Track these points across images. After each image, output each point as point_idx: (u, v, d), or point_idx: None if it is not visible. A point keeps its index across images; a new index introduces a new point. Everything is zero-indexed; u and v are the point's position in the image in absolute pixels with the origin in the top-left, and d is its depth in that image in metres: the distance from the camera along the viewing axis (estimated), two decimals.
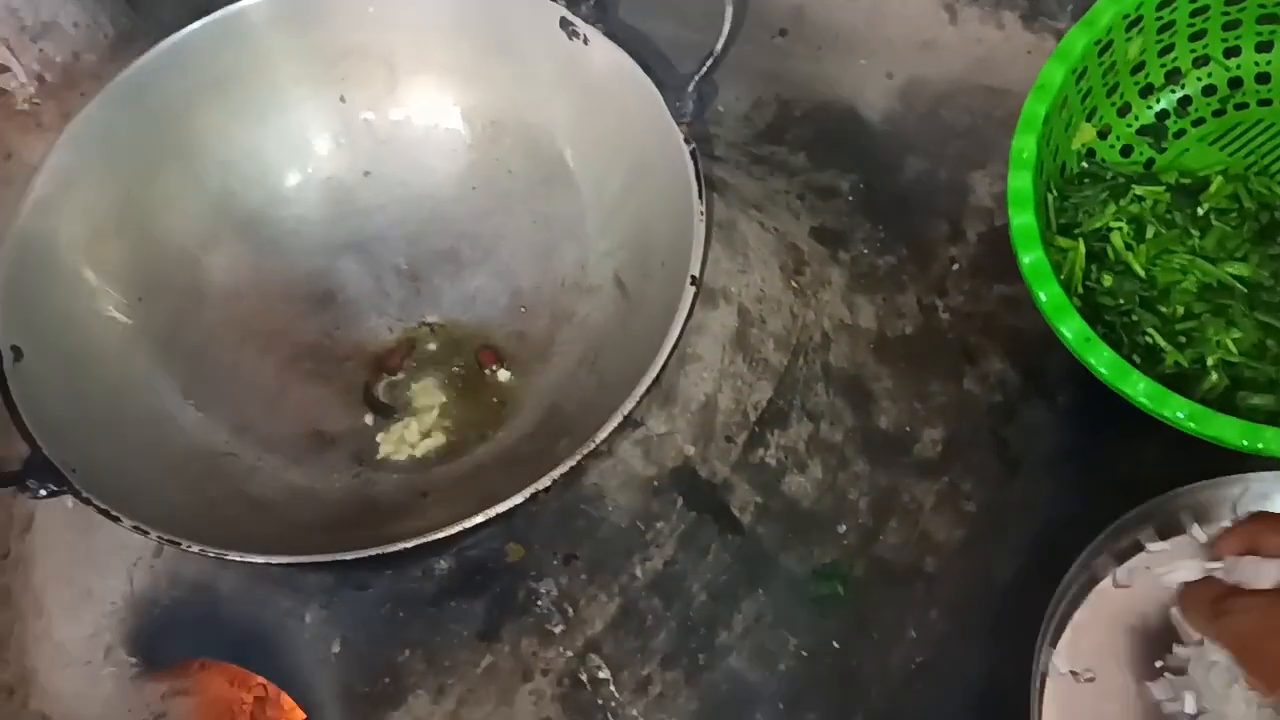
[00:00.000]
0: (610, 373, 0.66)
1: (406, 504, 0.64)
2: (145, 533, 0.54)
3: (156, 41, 0.71)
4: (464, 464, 0.68)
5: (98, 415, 0.62)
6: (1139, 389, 0.59)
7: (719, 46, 0.65)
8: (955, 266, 0.73)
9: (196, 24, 0.69)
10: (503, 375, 0.71)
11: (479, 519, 0.52)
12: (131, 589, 0.65)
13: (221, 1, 0.72)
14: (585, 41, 0.68)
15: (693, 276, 0.58)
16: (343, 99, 0.74)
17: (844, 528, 0.64)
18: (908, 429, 0.67)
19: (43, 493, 0.56)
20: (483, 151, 0.75)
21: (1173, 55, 0.72)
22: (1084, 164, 0.72)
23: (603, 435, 0.54)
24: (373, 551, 0.51)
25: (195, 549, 0.54)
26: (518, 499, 0.53)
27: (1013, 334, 0.70)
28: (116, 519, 0.55)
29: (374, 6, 0.71)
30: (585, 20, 0.67)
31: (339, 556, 0.52)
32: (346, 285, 0.74)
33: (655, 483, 0.63)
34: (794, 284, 0.72)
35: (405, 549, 0.53)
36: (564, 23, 0.68)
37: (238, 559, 0.53)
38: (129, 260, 0.69)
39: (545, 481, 0.53)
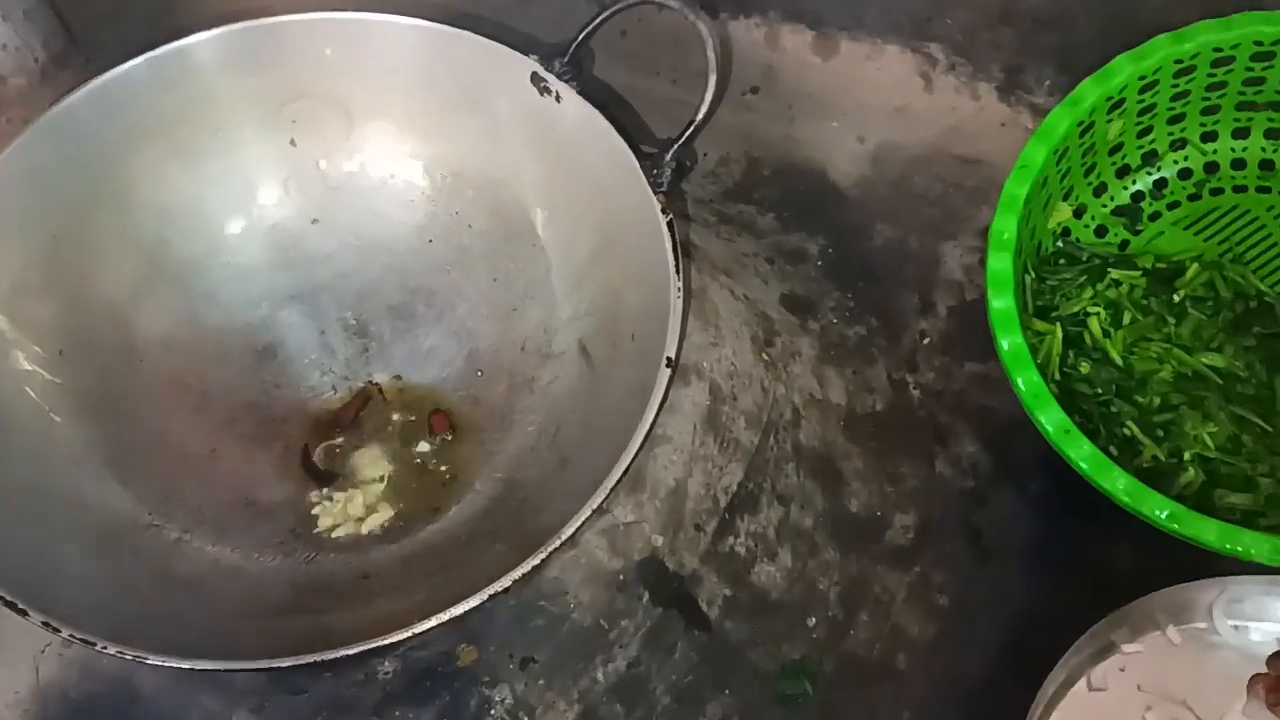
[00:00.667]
0: (572, 449, 0.62)
1: (347, 588, 0.60)
2: (55, 630, 0.49)
3: (91, 71, 0.66)
4: (411, 543, 0.64)
5: (7, 486, 0.56)
6: (1119, 486, 0.58)
7: (701, 115, 0.62)
8: (925, 340, 0.72)
9: (137, 60, 0.64)
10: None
11: (430, 623, 0.48)
12: (37, 679, 0.59)
13: (163, 36, 0.67)
14: (557, 99, 0.65)
15: (668, 358, 0.55)
16: (293, 143, 0.70)
17: (813, 620, 0.62)
18: (879, 513, 0.65)
19: None
20: (442, 204, 0.71)
21: (1150, 138, 0.72)
22: (1059, 243, 0.71)
23: (569, 530, 0.51)
24: (309, 659, 0.47)
25: (111, 650, 0.48)
26: (473, 601, 0.49)
27: (984, 414, 0.68)
28: (24, 613, 0.49)
29: (331, 49, 0.67)
30: (559, 76, 0.64)
31: (271, 664, 0.48)
32: (288, 339, 0.70)
33: (621, 577, 0.60)
34: (765, 356, 0.69)
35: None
36: (535, 78, 0.65)
37: (157, 663, 0.48)
38: (52, 312, 0.63)
39: (505, 582, 0.50)
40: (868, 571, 0.63)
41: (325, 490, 0.66)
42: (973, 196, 0.76)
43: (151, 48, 0.68)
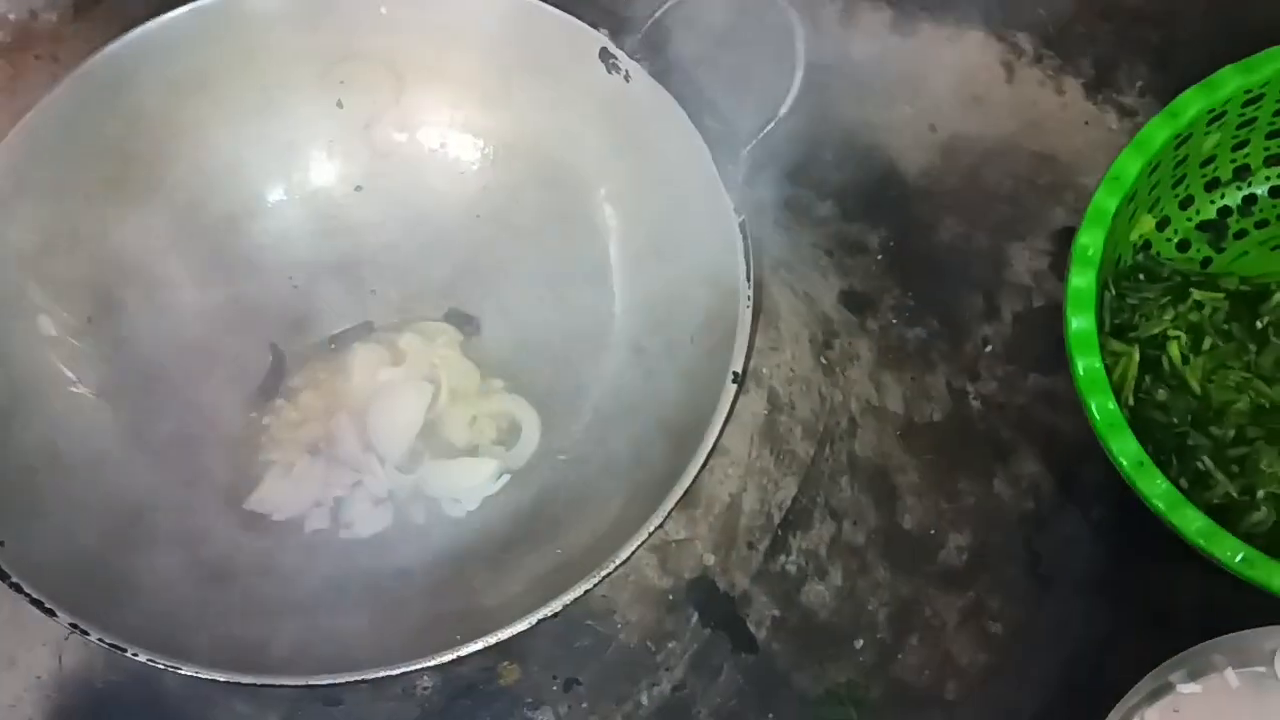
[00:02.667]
0: (620, 451, 0.60)
1: (381, 584, 0.58)
2: (85, 633, 0.47)
3: (124, 8, 0.62)
4: (447, 535, 0.61)
5: (32, 471, 0.53)
6: (1194, 527, 0.55)
7: (784, 111, 0.58)
8: (989, 348, 0.69)
9: (180, 9, 0.60)
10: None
11: (476, 645, 0.46)
12: (60, 665, 0.57)
13: None
14: (626, 78, 0.61)
15: (735, 373, 0.52)
16: (340, 104, 0.66)
17: (861, 643, 0.60)
18: (932, 532, 0.63)
19: None
20: (494, 179, 0.67)
21: (1245, 151, 0.68)
22: (1139, 256, 0.68)
23: (625, 554, 0.48)
24: (347, 678, 0.45)
25: (143, 657, 0.46)
26: (521, 626, 0.46)
27: (1048, 433, 0.66)
28: (51, 613, 0.47)
29: (386, 6, 0.62)
30: (630, 55, 0.60)
31: (308, 681, 0.45)
32: (326, 312, 0.66)
33: (670, 596, 0.58)
34: (823, 360, 0.66)
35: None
36: (604, 54, 0.61)
37: (190, 673, 0.46)
38: (82, 275, 0.60)
39: (555, 606, 0.47)
40: (919, 594, 0.61)
41: None
42: (1047, 196, 0.72)
43: None
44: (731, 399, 0.53)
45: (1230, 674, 0.55)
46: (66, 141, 0.60)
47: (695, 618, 0.59)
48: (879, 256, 0.72)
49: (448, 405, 0.63)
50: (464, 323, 0.67)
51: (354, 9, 0.63)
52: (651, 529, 0.49)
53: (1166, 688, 0.56)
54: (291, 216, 0.67)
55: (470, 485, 0.62)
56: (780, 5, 0.58)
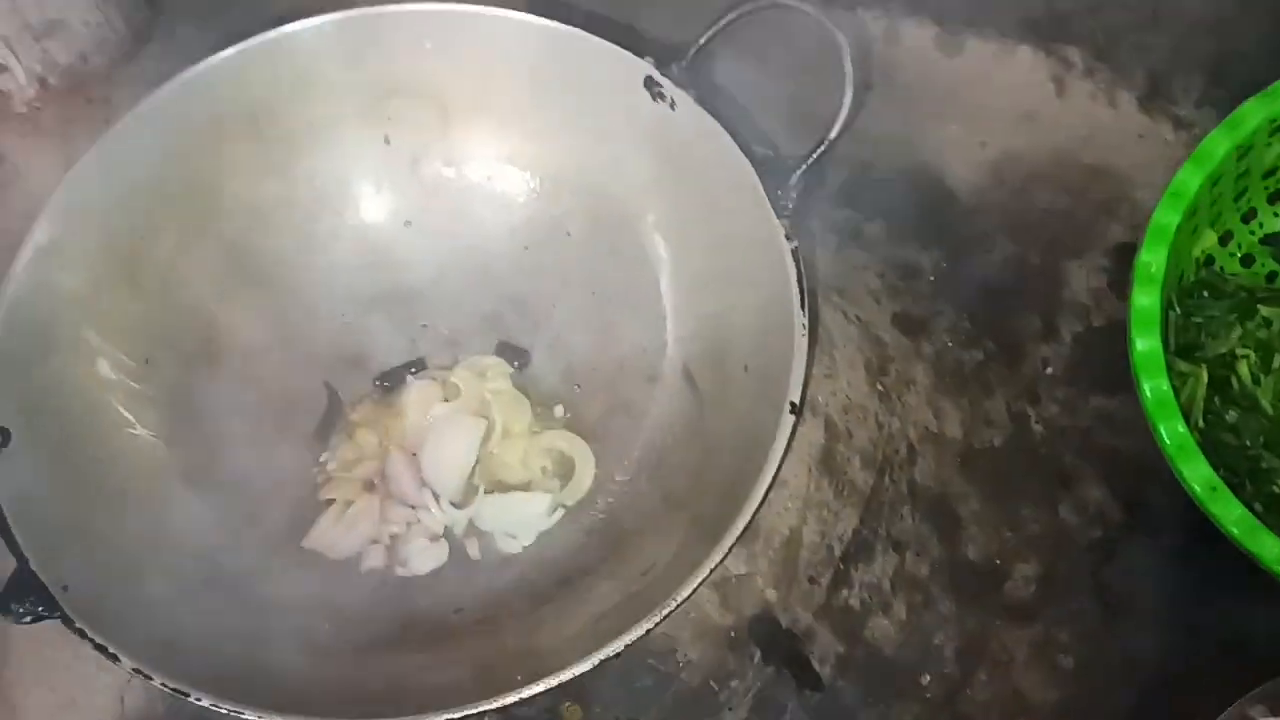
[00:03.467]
0: (676, 485, 0.59)
1: (438, 622, 0.57)
2: (149, 678, 0.47)
3: (175, 48, 0.62)
4: (502, 571, 0.60)
5: (92, 514, 0.54)
6: (1272, 554, 0.53)
7: (834, 133, 0.57)
8: (1048, 370, 0.67)
9: (229, 50, 0.60)
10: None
11: (537, 688, 0.45)
12: (123, 708, 0.57)
13: (249, 18, 0.63)
14: (672, 106, 0.60)
15: (793, 404, 0.51)
16: (387, 140, 0.66)
17: (928, 679, 0.58)
18: (998, 562, 0.61)
19: (27, 619, 0.48)
20: (541, 210, 0.67)
21: None
22: (1202, 273, 0.66)
23: (686, 592, 0.47)
24: None
25: (206, 702, 0.46)
26: (584, 666, 0.46)
27: (1111, 456, 0.64)
28: (115, 658, 0.47)
29: (431, 41, 0.63)
30: (675, 83, 0.59)
31: None
32: (377, 346, 0.67)
33: (732, 633, 0.56)
34: (879, 386, 0.65)
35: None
36: (649, 82, 0.60)
37: (253, 717, 0.45)
38: (137, 316, 0.61)
39: (617, 646, 0.46)
40: (986, 627, 0.60)
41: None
42: (1102, 211, 0.71)
43: (240, 31, 0.64)
44: (790, 430, 0.51)
45: None
46: (119, 184, 0.60)
47: (758, 655, 0.58)
48: (931, 278, 0.70)
49: (500, 440, 0.63)
50: (514, 356, 0.66)
51: (398, 44, 0.63)
52: (714, 565, 0.48)
53: (1243, 718, 0.54)
54: (341, 252, 0.67)
55: (525, 520, 0.61)
56: (827, 27, 0.57)
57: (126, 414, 0.59)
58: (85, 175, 0.59)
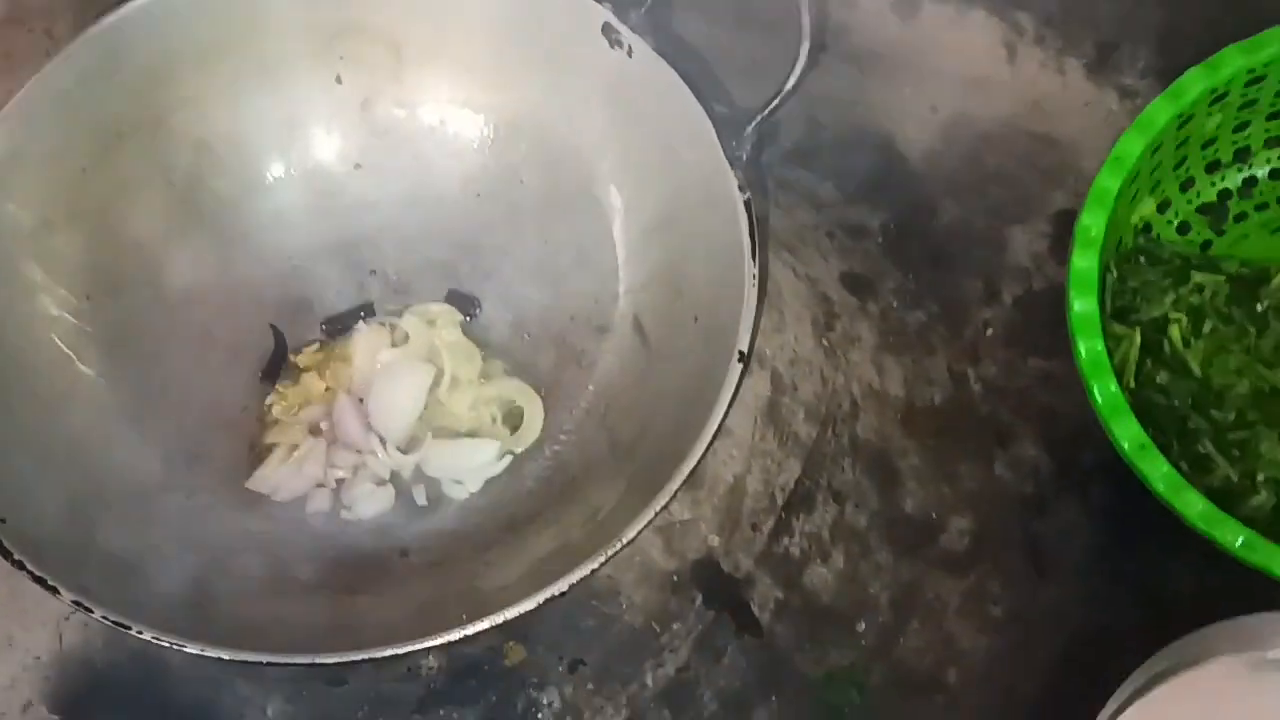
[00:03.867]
0: (623, 431, 0.59)
1: (383, 564, 0.57)
2: (89, 610, 0.46)
3: None
4: (449, 516, 0.60)
5: (33, 449, 0.53)
6: (1195, 510, 0.56)
7: (788, 86, 0.57)
8: (989, 331, 0.69)
9: None
10: None
11: (483, 624, 0.46)
12: (60, 646, 0.57)
13: None
14: (629, 53, 0.60)
15: (741, 352, 0.52)
16: (339, 80, 0.65)
17: (863, 626, 0.60)
18: (934, 515, 0.63)
19: None
20: (494, 157, 0.66)
21: (1246, 133, 0.68)
22: (1139, 239, 0.67)
23: (631, 534, 0.48)
24: (354, 657, 0.44)
25: (148, 635, 0.46)
26: (528, 605, 0.46)
27: (1047, 416, 0.66)
28: (55, 590, 0.46)
29: None
30: (633, 29, 0.59)
31: (315, 660, 0.45)
32: (325, 292, 0.66)
33: (675, 578, 0.57)
34: (825, 342, 0.66)
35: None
36: (607, 29, 0.60)
37: (196, 652, 0.45)
38: (80, 251, 0.59)
39: (562, 586, 0.47)
40: (921, 577, 0.61)
41: None
42: (1046, 178, 0.72)
43: None
44: (737, 378, 0.52)
45: (1233, 659, 0.55)
46: (62, 116, 0.59)
47: (699, 599, 0.59)
48: (879, 239, 0.71)
49: (449, 389, 0.63)
50: (465, 304, 0.66)
51: None
52: (658, 508, 0.49)
53: (1166, 673, 0.56)
54: (290, 195, 0.66)
55: (472, 467, 0.62)
56: None
57: (68, 351, 0.58)
58: (26, 107, 0.57)
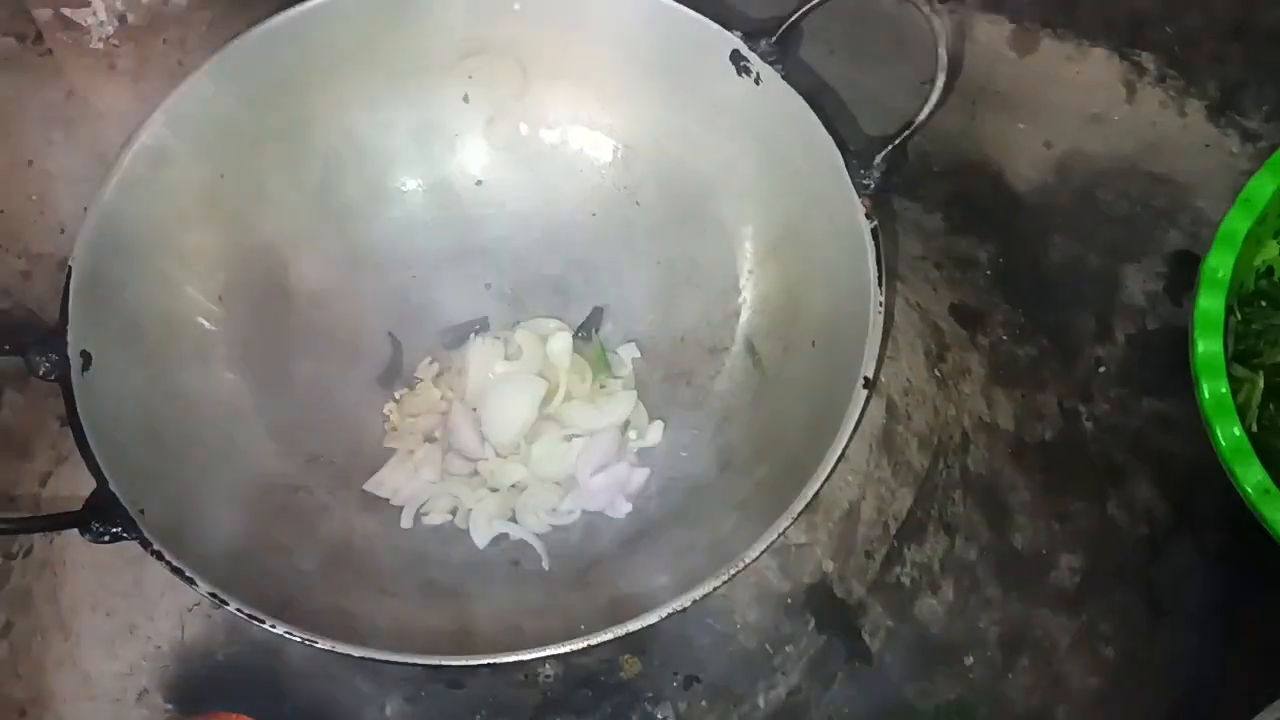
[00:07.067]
0: (734, 453, 0.59)
1: (498, 572, 0.58)
2: (223, 603, 0.47)
3: None
4: (562, 536, 0.61)
5: (169, 440, 0.54)
6: None
7: (923, 116, 0.57)
8: (1101, 369, 0.68)
9: None
10: None
11: (604, 636, 0.46)
12: (183, 635, 0.58)
13: None
14: (757, 80, 0.61)
15: (866, 379, 0.52)
16: (466, 99, 0.67)
17: (971, 660, 0.59)
18: (1044, 552, 0.62)
19: (105, 538, 0.48)
20: (612, 176, 0.67)
21: None
22: (1262, 283, 0.66)
23: (753, 555, 0.48)
24: (472, 661, 0.45)
25: (280, 630, 0.47)
26: (649, 619, 0.46)
27: (1162, 458, 0.65)
28: (192, 581, 0.48)
29: (520, 3, 0.63)
30: (762, 57, 0.60)
31: (439, 662, 0.45)
32: (444, 301, 0.67)
33: (789, 600, 0.57)
34: (937, 373, 0.66)
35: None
36: (736, 56, 0.61)
37: (327, 648, 0.46)
38: (214, 253, 0.61)
39: (684, 602, 0.47)
40: (1030, 614, 0.61)
41: None
42: (1161, 217, 0.71)
43: None
44: (863, 404, 0.52)
45: None
46: (205, 123, 0.61)
47: (812, 623, 0.59)
48: (988, 272, 0.71)
49: (561, 404, 0.63)
50: (577, 320, 0.67)
51: (486, 3, 0.64)
52: (781, 530, 0.49)
53: None
54: (413, 207, 0.68)
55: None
56: (922, 12, 0.58)
57: (201, 348, 0.60)
58: (171, 114, 0.59)
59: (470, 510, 0.60)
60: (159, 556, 0.49)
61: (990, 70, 0.76)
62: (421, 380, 0.64)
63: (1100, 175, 0.73)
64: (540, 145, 0.68)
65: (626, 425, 0.63)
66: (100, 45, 0.75)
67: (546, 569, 0.58)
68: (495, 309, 0.68)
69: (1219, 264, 0.60)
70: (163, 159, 0.59)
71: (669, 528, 0.58)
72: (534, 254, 0.68)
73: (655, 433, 0.62)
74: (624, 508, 0.60)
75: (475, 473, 0.62)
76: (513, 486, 0.63)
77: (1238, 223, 0.60)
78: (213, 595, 0.48)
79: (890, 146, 0.57)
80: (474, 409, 0.63)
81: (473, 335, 0.66)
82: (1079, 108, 0.74)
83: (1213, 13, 0.69)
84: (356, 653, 0.47)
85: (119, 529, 0.50)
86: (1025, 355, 0.68)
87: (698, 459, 0.61)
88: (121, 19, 0.74)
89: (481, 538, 0.60)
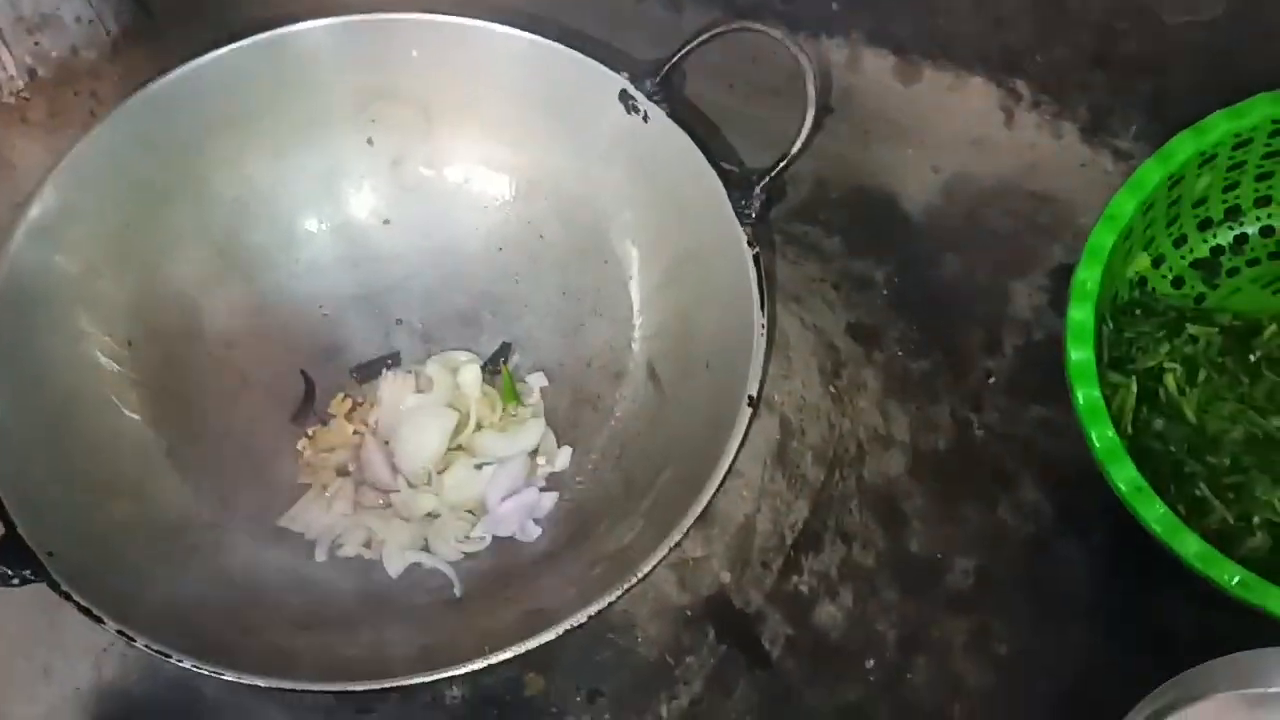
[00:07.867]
0: (637, 472, 0.62)
1: (409, 602, 0.60)
2: (131, 640, 0.49)
3: (163, 46, 0.65)
4: (471, 561, 0.63)
5: (79, 484, 0.56)
6: (1191, 550, 0.57)
7: (795, 149, 0.61)
8: (991, 380, 0.71)
9: (222, 50, 0.63)
10: None
11: (505, 654, 0.48)
12: (99, 675, 0.59)
13: (237, 21, 0.66)
14: (645, 118, 0.63)
15: (750, 397, 0.55)
16: (370, 142, 0.69)
17: (871, 663, 0.61)
18: (939, 555, 0.65)
19: (14, 581, 0.50)
20: (515, 213, 0.70)
21: (1236, 192, 0.70)
22: (1135, 293, 0.70)
23: (646, 568, 0.50)
24: (383, 684, 0.47)
25: (188, 664, 0.48)
26: (548, 635, 0.48)
27: (1048, 461, 0.68)
28: (100, 620, 0.49)
29: (418, 50, 0.66)
30: (649, 96, 0.63)
31: (346, 687, 0.47)
32: (353, 339, 0.69)
33: (688, 612, 0.59)
34: (832, 389, 0.69)
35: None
36: (624, 95, 0.64)
37: (233, 679, 0.47)
38: (124, 300, 0.63)
39: (581, 618, 0.49)
40: (927, 615, 0.63)
41: None
42: (1045, 235, 0.74)
43: (230, 30, 0.67)
44: (747, 421, 0.55)
45: (1232, 696, 0.56)
46: (110, 174, 0.63)
47: (712, 634, 0.60)
48: (884, 291, 0.74)
49: (471, 434, 0.65)
50: (487, 352, 0.69)
51: (387, 50, 0.66)
52: (672, 544, 0.51)
53: (1166, 708, 0.57)
54: (322, 248, 0.70)
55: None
56: (792, 51, 0.61)
57: (111, 394, 0.61)
58: (77, 164, 0.61)
59: (384, 541, 0.62)
60: (67, 597, 0.50)
61: (880, 100, 0.79)
62: (334, 416, 0.66)
63: (985, 196, 0.76)
64: (445, 184, 0.70)
65: (536, 451, 0.65)
66: (12, 100, 0.77)
67: (459, 596, 0.60)
68: (407, 344, 0.70)
69: (1087, 276, 0.63)
70: (66, 212, 0.60)
71: (576, 546, 0.60)
72: (443, 289, 0.70)
73: (564, 458, 0.64)
74: (534, 532, 0.62)
75: (388, 504, 0.64)
76: (425, 516, 0.64)
77: (1103, 238, 0.64)
78: (120, 633, 0.50)
79: (768, 178, 0.59)
80: (386, 441, 0.65)
81: (385, 370, 0.67)
82: (962, 133, 0.77)
83: (1077, 44, 0.73)
84: (263, 683, 0.49)
85: (29, 571, 0.51)
86: (919, 369, 0.71)
87: (602, 480, 0.63)
88: (31, 73, 0.76)
89: (395, 568, 0.61)
